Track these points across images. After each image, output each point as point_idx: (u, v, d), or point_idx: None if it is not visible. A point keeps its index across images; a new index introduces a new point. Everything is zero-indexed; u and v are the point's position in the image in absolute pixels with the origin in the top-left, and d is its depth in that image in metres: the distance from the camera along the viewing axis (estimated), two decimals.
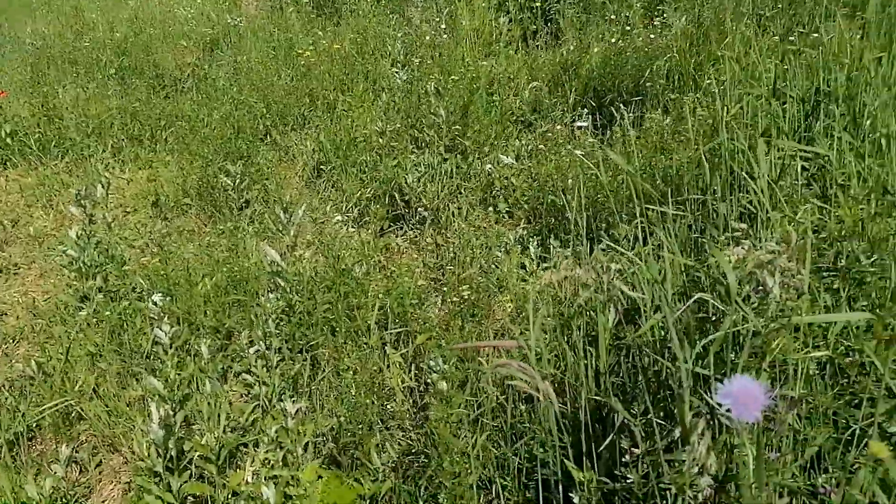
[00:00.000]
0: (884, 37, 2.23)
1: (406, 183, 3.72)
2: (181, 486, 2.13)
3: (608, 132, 3.90)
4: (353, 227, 3.65)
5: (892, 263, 1.51)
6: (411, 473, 2.39)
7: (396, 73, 4.73)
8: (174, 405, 2.24)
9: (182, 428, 2.27)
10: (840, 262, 1.58)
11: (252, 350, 2.47)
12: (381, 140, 4.04)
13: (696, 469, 0.96)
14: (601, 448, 1.62)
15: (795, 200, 1.77)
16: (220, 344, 2.83)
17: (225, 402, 2.39)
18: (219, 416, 2.33)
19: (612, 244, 2.45)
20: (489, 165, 3.74)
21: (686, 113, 2.82)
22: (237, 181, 3.78)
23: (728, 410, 0.71)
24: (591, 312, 2.37)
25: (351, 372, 2.55)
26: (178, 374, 2.31)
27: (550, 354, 2.45)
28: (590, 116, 4.06)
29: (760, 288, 1.41)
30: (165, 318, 2.40)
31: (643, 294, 1.72)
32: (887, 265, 1.50)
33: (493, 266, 3.15)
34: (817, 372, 1.43)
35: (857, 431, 1.41)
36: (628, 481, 1.48)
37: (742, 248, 1.44)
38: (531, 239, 3.45)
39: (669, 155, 2.92)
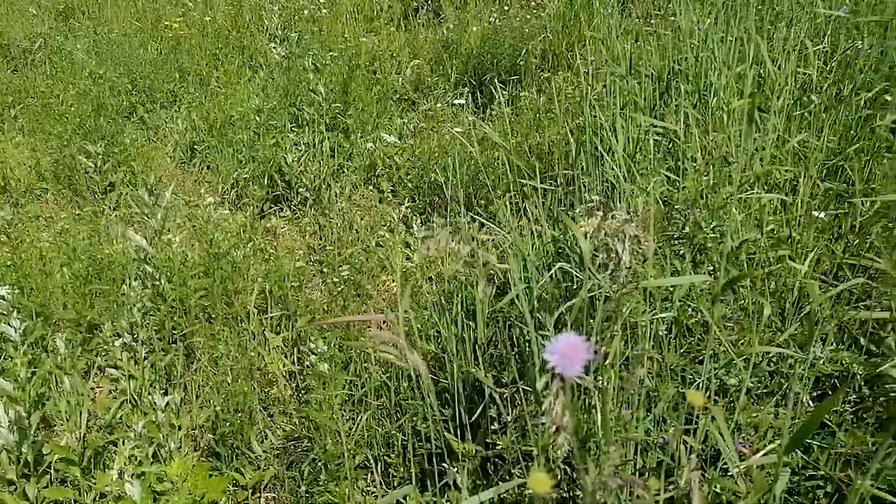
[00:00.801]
0: (725, 21, 2.41)
1: (286, 163, 3.61)
2: (39, 492, 1.97)
3: (488, 110, 3.97)
4: (230, 209, 3.50)
5: (729, 229, 1.64)
6: (295, 459, 2.35)
7: (274, 48, 4.56)
8: (28, 406, 2.06)
9: (41, 430, 2.10)
10: (686, 229, 1.70)
11: (118, 342, 2.32)
12: (258, 118, 3.88)
13: (553, 429, 1.01)
14: (472, 418, 1.66)
15: (649, 172, 1.89)
16: (81, 338, 2.63)
17: (87, 399, 2.23)
18: (81, 414, 2.18)
19: (489, 219, 2.51)
20: (371, 144, 3.71)
21: (556, 91, 2.92)
22: (99, 163, 3.51)
23: (553, 367, 0.74)
24: (471, 287, 2.42)
25: (228, 359, 2.46)
26: (31, 373, 2.13)
27: (432, 330, 2.48)
28: (470, 95, 4.11)
29: (614, 256, 1.49)
30: (15, 313, 2.20)
31: (511, 266, 1.77)
32: (725, 231, 1.63)
33: (377, 245, 3.14)
34: (666, 332, 1.54)
35: (702, 385, 1.53)
36: (498, 447, 1.53)
37: (596, 218, 1.51)
38: (415, 217, 3.46)
39: (542, 132, 3.01)
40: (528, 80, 3.85)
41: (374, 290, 2.91)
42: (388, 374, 2.46)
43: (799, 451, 1.33)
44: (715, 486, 1.20)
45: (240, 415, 2.35)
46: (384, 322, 1.36)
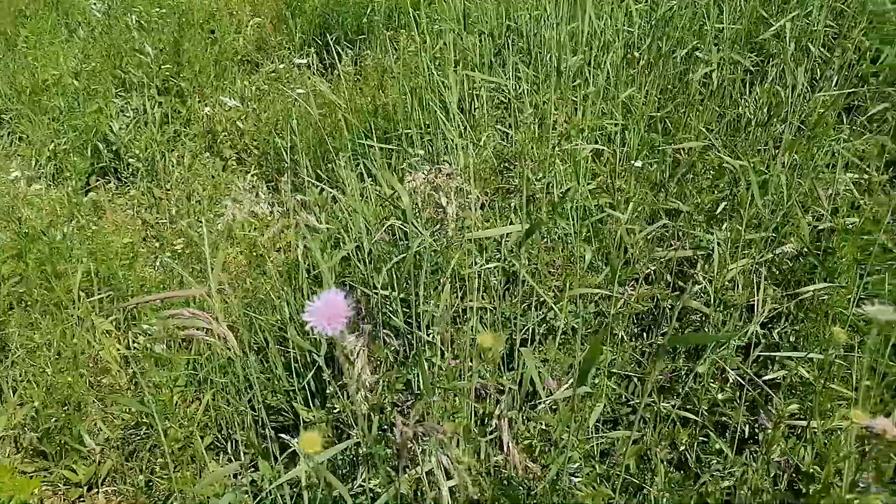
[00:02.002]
0: None
1: (112, 130, 3.29)
2: None
3: (335, 71, 3.84)
4: (47, 184, 3.14)
5: (554, 180, 1.70)
6: (136, 448, 2.20)
7: (93, 4, 4.11)
8: None
9: None
10: (515, 181, 1.74)
11: None
12: (76, 82, 3.49)
13: (354, 386, 0.99)
14: (302, 384, 1.62)
15: (482, 127, 1.91)
16: None
17: None
18: None
19: (332, 182, 2.44)
20: (210, 109, 3.47)
21: (399, 50, 2.87)
22: None
23: (312, 327, 0.71)
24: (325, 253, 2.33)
25: (48, 349, 2.23)
26: None
27: (278, 301, 2.39)
28: (315, 55, 3.96)
29: (441, 209, 1.49)
30: None
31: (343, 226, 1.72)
32: (550, 181, 1.69)
33: (219, 217, 2.96)
34: (497, 282, 1.57)
35: (532, 330, 1.59)
36: (336, 411, 1.50)
37: (421, 173, 1.50)
38: (261, 185, 3.30)
39: (387, 92, 2.96)
40: (373, 39, 3.76)
41: (216, 264, 2.74)
42: (243, 355, 2.35)
43: (610, 383, 1.42)
44: (527, 423, 1.25)
45: (66, 408, 2.14)
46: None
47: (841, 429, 1.08)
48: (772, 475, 1.23)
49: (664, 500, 1.10)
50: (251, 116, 3.63)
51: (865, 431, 0.79)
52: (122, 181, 3.31)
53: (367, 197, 1.96)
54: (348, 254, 2.01)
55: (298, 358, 2.01)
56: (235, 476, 2.06)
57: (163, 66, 3.53)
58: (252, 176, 3.43)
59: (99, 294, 2.46)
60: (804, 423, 1.21)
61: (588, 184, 1.88)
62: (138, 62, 3.56)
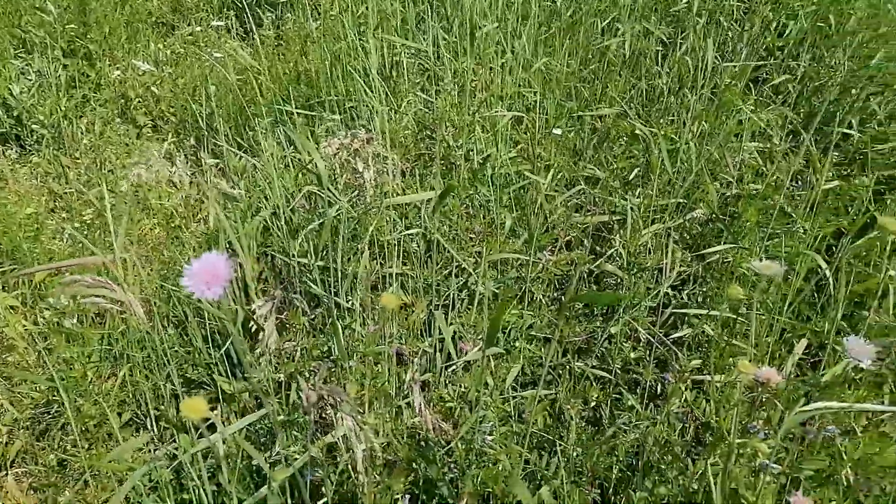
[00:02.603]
0: None
1: (12, 94, 3.07)
2: None
3: (257, 35, 3.70)
4: None
5: (475, 147, 1.71)
6: (47, 427, 2.10)
7: None
8: None
9: None
10: (436, 147, 1.73)
11: None
12: None
13: (259, 350, 0.98)
14: (219, 356, 1.58)
15: (404, 92, 1.88)
16: None
17: None
18: None
19: (253, 151, 2.36)
20: (121, 73, 3.28)
21: (322, 14, 2.79)
22: None
23: (190, 291, 0.68)
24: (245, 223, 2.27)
25: None
26: None
27: None
28: (235, 17, 3.80)
29: (358, 175, 1.47)
30: None
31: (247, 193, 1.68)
32: (471, 148, 1.69)
33: (136, 186, 2.82)
34: (416, 249, 1.57)
35: (452, 296, 1.60)
36: (255, 379, 1.48)
37: (338, 138, 1.47)
38: (179, 153, 3.17)
39: (308, 57, 2.88)
40: (296, 2, 3.63)
41: (121, 230, 2.63)
42: (151, 324, 2.27)
43: (529, 345, 1.45)
44: (448, 386, 1.27)
45: None
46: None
47: (737, 381, 1.15)
48: (678, 428, 1.30)
49: (574, 454, 1.15)
50: (167, 81, 3.46)
51: (753, 381, 0.85)
52: (25, 149, 3.10)
53: (287, 164, 1.92)
54: (268, 223, 1.96)
55: (220, 330, 1.96)
56: (155, 451, 2.01)
57: (67, 27, 3.30)
58: (169, 144, 3.28)
59: (1, 268, 2.32)
60: (706, 377, 1.28)
61: (509, 152, 1.89)
62: (39, 21, 3.32)
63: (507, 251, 1.55)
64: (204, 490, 1.31)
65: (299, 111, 1.93)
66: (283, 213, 1.55)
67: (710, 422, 1.10)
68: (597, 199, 1.77)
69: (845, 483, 0.96)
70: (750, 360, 0.92)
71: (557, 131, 1.88)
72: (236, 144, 2.73)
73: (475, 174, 1.66)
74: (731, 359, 1.38)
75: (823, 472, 1.00)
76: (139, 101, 3.37)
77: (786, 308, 1.39)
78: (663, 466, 1.10)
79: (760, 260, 0.85)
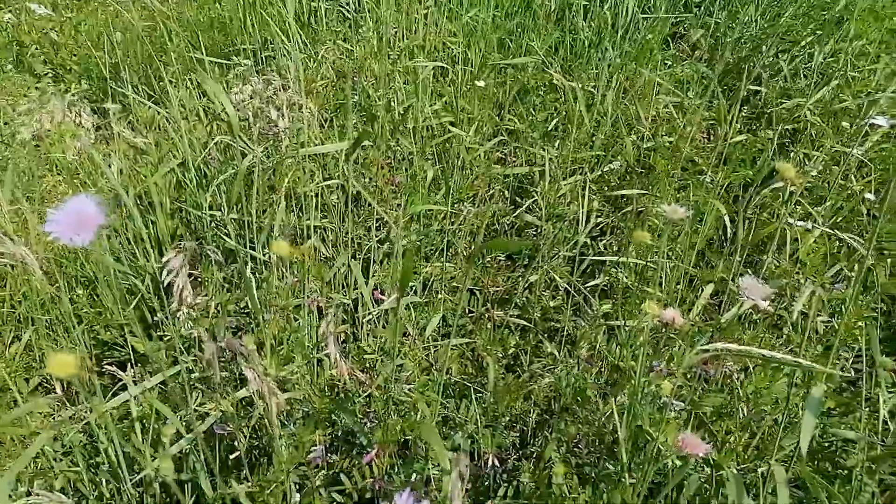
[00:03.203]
0: None
1: None
2: None
3: None
4: None
5: (395, 97, 1.67)
6: None
7: None
8: None
9: None
10: (355, 96, 1.69)
11: None
12: None
13: (174, 306, 0.94)
14: (129, 315, 1.52)
15: (323, 40, 1.81)
16: None
17: None
18: None
19: (165, 102, 2.23)
20: (11, 15, 3.01)
21: None
22: None
23: (56, 237, 0.64)
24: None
25: None
26: None
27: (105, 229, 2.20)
28: None
29: (272, 123, 1.41)
30: None
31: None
32: (392, 98, 1.66)
33: (35, 139, 2.62)
34: (336, 202, 1.54)
35: (374, 248, 1.58)
36: (168, 338, 1.43)
37: (249, 85, 1.40)
38: (84, 104, 2.96)
39: (223, 4, 2.73)
40: None
41: (33, 191, 2.46)
42: (57, 285, 2.15)
43: (449, 296, 1.46)
44: (368, 337, 1.27)
45: None
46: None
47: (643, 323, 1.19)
48: (593, 372, 1.34)
49: (491, 399, 1.17)
50: (67, 27, 3.21)
51: (658, 322, 0.88)
52: None
53: (198, 114, 1.82)
54: (181, 177, 1.87)
55: (134, 289, 1.88)
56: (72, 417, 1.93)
57: None
58: (72, 95, 3.06)
59: None
60: (618, 323, 1.32)
61: (433, 104, 1.87)
62: None
63: (428, 203, 1.54)
64: (116, 452, 1.27)
65: (211, 59, 1.82)
66: (194, 165, 1.48)
67: (619, 364, 1.14)
68: (517, 151, 1.78)
69: (742, 416, 1.03)
70: (655, 303, 0.95)
71: (481, 83, 1.86)
72: (146, 95, 2.57)
73: (396, 125, 1.63)
74: (640, 304, 1.43)
75: (722, 407, 1.06)
76: (36, 48, 3.12)
77: (694, 256, 1.45)
78: (576, 408, 1.14)
79: (669, 205, 0.87)
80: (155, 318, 1.51)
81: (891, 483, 1.15)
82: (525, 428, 1.39)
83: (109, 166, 1.99)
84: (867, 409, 1.11)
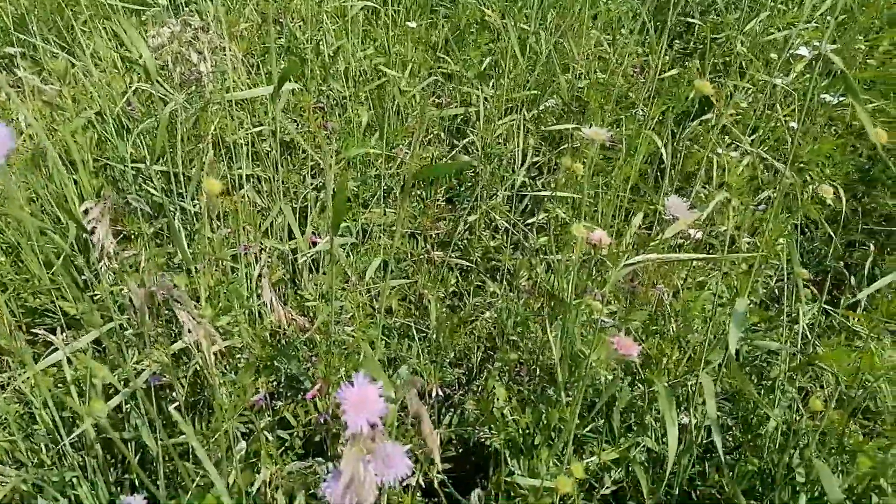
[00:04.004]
0: None
1: None
2: None
3: None
4: None
5: (324, 39, 1.62)
6: None
7: None
8: None
9: None
10: (282, 39, 1.63)
11: None
12: None
13: (97, 257, 0.90)
14: (53, 277, 1.46)
15: None
16: None
17: None
18: None
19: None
20: None
21: None
22: None
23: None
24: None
25: None
26: None
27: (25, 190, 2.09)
28: None
29: (194, 68, 1.35)
30: None
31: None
32: (321, 40, 1.60)
33: None
34: (270, 149, 1.50)
35: (311, 196, 1.55)
36: (98, 297, 1.38)
37: (168, 27, 1.33)
38: None
39: None
40: None
41: None
42: None
43: (392, 241, 1.45)
44: (298, 287, 1.26)
45: None
46: None
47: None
48: (534, 304, 1.37)
49: (434, 336, 1.18)
50: None
51: (587, 244, 0.89)
52: None
53: (114, 63, 1.72)
54: (101, 132, 1.78)
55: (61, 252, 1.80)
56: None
57: None
58: None
59: None
60: (556, 257, 1.34)
61: (366, 48, 1.82)
62: None
63: (363, 147, 1.51)
64: (52, 416, 1.23)
65: (125, 4, 1.72)
66: (113, 116, 1.41)
67: (554, 291, 1.16)
68: (453, 93, 1.76)
69: (671, 331, 1.07)
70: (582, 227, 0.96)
71: (412, 24, 1.82)
72: (57, 47, 2.42)
73: (326, 69, 1.58)
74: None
75: (652, 323, 1.10)
76: None
77: (628, 190, 1.47)
78: (517, 339, 1.17)
79: (589, 127, 0.88)
80: (83, 277, 1.45)
81: (810, 389, 1.23)
82: (470, 365, 1.42)
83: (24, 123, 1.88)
84: (788, 322, 1.17)
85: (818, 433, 0.87)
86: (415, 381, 0.70)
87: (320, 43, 1.60)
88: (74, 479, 1.27)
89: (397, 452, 0.63)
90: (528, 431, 1.02)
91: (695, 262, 1.24)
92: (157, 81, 1.20)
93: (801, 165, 1.50)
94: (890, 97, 1.79)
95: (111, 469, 1.39)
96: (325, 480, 0.60)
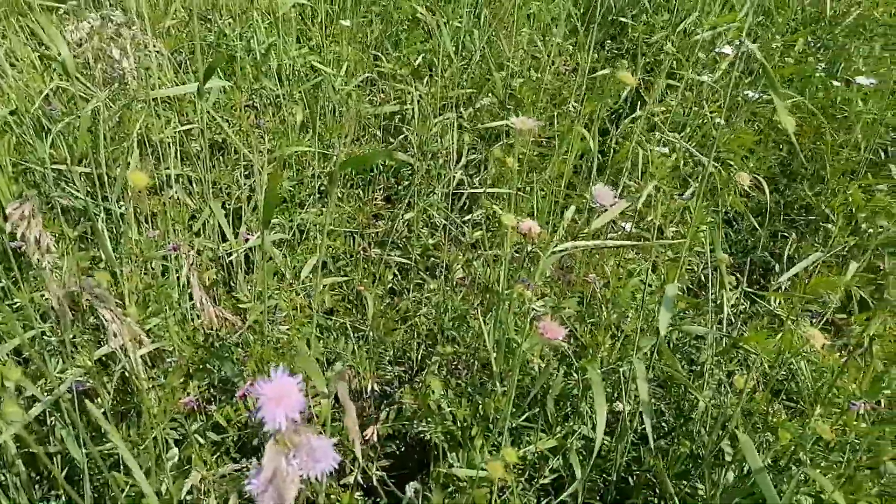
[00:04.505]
0: None
1: None
2: None
3: None
4: None
5: (255, 36, 1.59)
6: None
7: None
8: None
9: None
10: (212, 37, 1.59)
11: None
12: None
13: (35, 255, 0.86)
14: None
15: None
16: None
17: None
18: None
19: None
20: None
21: None
22: None
23: None
24: None
25: None
26: None
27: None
28: None
29: (116, 65, 1.30)
30: None
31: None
32: (251, 37, 1.57)
33: None
34: (200, 149, 1.46)
35: (247, 197, 1.51)
36: (17, 304, 1.31)
37: (88, 22, 1.28)
38: None
39: None
40: None
41: None
42: None
43: (330, 240, 1.43)
44: (232, 289, 1.23)
45: None
46: None
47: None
48: (469, 295, 1.38)
49: (372, 323, 1.17)
50: None
51: (518, 233, 0.91)
52: None
53: (32, 64, 1.65)
54: (18, 134, 1.70)
55: None
56: None
57: None
58: None
59: None
60: (494, 251, 1.35)
61: (301, 47, 1.79)
62: None
63: (298, 146, 1.49)
64: None
65: (43, 1, 1.65)
66: (30, 115, 1.35)
67: (489, 284, 1.17)
68: (387, 90, 1.76)
69: (603, 319, 1.09)
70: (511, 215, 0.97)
71: (346, 22, 1.80)
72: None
73: (258, 66, 1.56)
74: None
75: (583, 312, 1.13)
76: None
77: (563, 184, 1.50)
78: (454, 332, 1.17)
79: (517, 116, 0.89)
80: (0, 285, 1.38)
81: (737, 372, 1.27)
82: (411, 363, 1.41)
83: None
84: (714, 308, 1.21)
85: (739, 407, 0.91)
86: (343, 373, 0.69)
87: (251, 40, 1.57)
88: None
89: (324, 446, 0.62)
90: (465, 424, 1.02)
91: (624, 253, 1.27)
92: (77, 78, 1.15)
93: (726, 160, 1.56)
94: (805, 94, 1.88)
95: (35, 486, 1.32)
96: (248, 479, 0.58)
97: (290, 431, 0.56)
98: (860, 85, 1.88)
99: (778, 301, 1.27)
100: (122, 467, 1.20)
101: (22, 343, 1.16)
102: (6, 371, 0.71)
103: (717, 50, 2.09)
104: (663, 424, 1.31)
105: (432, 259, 1.58)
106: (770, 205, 1.92)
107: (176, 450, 1.07)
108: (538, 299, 1.03)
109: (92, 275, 1.31)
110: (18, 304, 1.31)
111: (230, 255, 1.46)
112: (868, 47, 2.05)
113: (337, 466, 0.63)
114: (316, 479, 0.63)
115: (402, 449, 1.31)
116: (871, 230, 1.35)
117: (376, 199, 1.68)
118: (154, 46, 1.33)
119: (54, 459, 1.24)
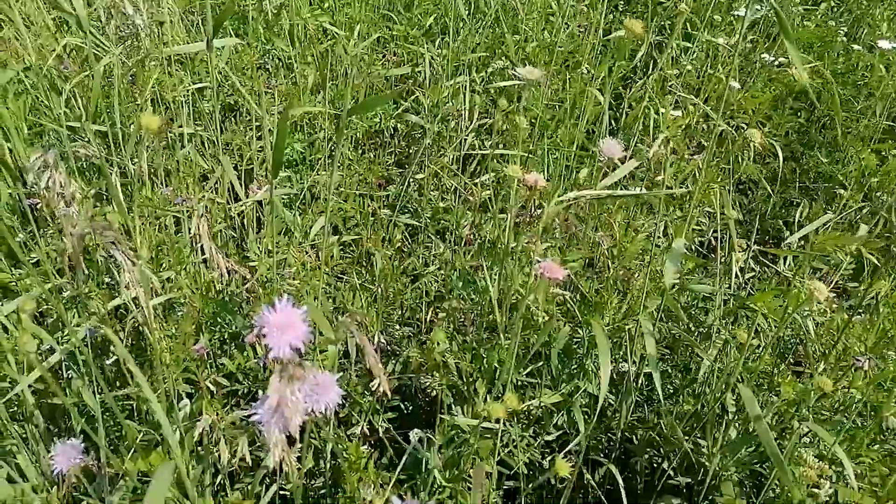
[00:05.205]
0: None
1: None
2: None
3: None
4: None
5: None
6: None
7: None
8: None
9: None
10: None
11: None
12: None
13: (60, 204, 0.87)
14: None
15: None
16: None
17: None
18: None
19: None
20: None
21: None
22: None
23: None
24: None
25: None
26: None
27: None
28: None
29: (129, 21, 1.31)
30: None
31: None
32: None
33: None
34: (212, 109, 1.47)
35: (255, 157, 1.53)
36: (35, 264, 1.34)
37: None
38: None
39: None
40: None
41: None
42: None
43: (341, 201, 1.44)
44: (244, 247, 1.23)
45: None
46: None
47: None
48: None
49: (380, 290, 1.19)
50: None
51: (523, 186, 0.91)
52: None
53: (46, 25, 1.66)
54: (34, 96, 1.72)
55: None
56: None
57: None
58: None
59: None
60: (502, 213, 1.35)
61: (314, 10, 1.79)
62: None
63: (309, 106, 1.49)
64: None
65: None
66: (45, 72, 1.36)
67: (495, 240, 1.18)
68: (398, 52, 1.75)
69: (609, 273, 1.10)
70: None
71: None
72: None
73: (269, 25, 1.56)
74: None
75: (589, 264, 1.13)
76: None
77: (576, 146, 1.49)
78: (461, 292, 1.18)
79: (523, 67, 0.88)
80: (18, 239, 1.41)
81: (734, 335, 1.27)
82: (419, 324, 1.43)
83: None
84: (723, 268, 1.21)
85: (742, 361, 0.91)
86: (354, 314, 0.70)
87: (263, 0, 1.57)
88: (14, 448, 1.24)
89: (328, 380, 0.63)
90: (470, 378, 1.03)
91: (633, 208, 1.26)
92: (91, 33, 1.16)
93: (740, 125, 1.54)
94: (824, 58, 1.84)
95: (53, 439, 1.36)
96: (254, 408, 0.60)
97: (294, 363, 0.57)
98: (882, 50, 1.84)
99: (787, 262, 1.26)
100: (135, 414, 1.23)
101: (42, 293, 1.19)
102: (25, 321, 0.73)
103: (733, 13, 2.05)
104: (669, 386, 1.32)
105: (442, 222, 1.59)
106: (785, 172, 1.90)
107: (187, 401, 1.10)
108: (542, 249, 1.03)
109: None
110: (36, 259, 1.33)
111: (241, 214, 1.47)
112: (894, 10, 2.00)
113: (340, 401, 0.64)
114: (322, 415, 0.64)
115: (410, 409, 1.33)
116: (884, 194, 1.34)
117: (388, 163, 1.68)
118: (166, 3, 1.34)
119: (71, 413, 1.28)
